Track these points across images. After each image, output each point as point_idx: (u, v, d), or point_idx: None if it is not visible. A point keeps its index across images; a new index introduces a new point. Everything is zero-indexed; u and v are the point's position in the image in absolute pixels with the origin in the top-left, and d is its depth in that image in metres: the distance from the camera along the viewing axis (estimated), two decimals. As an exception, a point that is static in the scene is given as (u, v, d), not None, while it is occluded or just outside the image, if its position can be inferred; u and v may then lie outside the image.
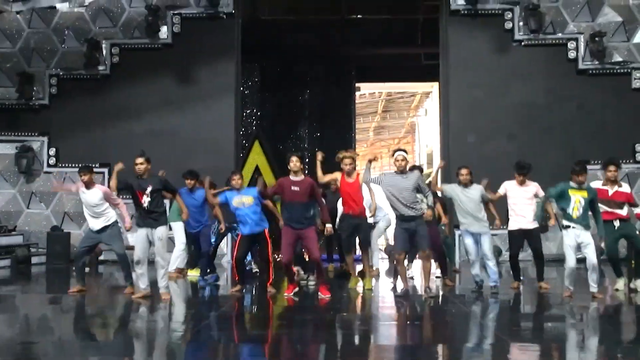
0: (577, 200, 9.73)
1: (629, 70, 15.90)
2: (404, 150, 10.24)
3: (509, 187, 10.80)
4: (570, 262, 9.76)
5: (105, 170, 15.90)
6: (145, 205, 9.89)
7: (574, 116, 15.86)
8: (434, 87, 23.16)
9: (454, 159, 15.87)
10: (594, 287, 9.84)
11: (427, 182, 10.99)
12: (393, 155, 10.25)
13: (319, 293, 10.12)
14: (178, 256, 12.48)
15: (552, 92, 15.99)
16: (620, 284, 10.72)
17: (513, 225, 10.80)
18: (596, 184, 10.61)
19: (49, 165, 16.24)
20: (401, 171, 9.92)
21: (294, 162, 10.02)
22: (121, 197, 11.15)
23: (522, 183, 10.72)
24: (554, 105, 15.93)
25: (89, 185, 10.63)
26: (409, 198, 9.79)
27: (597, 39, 15.69)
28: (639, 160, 15.75)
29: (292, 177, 10.08)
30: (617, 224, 10.41)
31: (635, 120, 15.74)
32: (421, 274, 10.75)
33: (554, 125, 15.85)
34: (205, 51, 16.23)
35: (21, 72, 16.21)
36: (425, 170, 14.04)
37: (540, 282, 10.86)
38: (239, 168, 15.73)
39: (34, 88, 16.28)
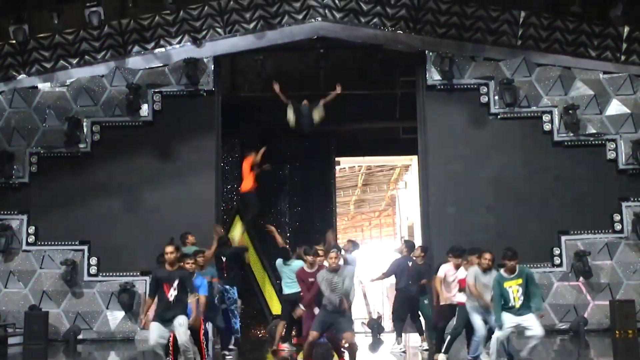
0: (514, 290, 9.46)
1: (603, 142, 16.20)
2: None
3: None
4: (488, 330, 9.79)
5: (85, 247, 15.79)
6: (172, 299, 9.18)
7: (551, 187, 16.05)
8: (413, 160, 23.41)
9: (434, 231, 15.98)
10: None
11: None
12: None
13: None
14: None
15: (529, 164, 16.21)
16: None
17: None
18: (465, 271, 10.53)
19: (27, 244, 16.02)
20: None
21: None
22: None
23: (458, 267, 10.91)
24: (531, 176, 16.13)
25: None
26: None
27: (570, 111, 16.00)
28: (617, 230, 15.86)
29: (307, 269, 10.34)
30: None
31: (611, 191, 15.97)
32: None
33: (531, 197, 16.01)
34: (186, 128, 16.37)
35: (1, 151, 16.19)
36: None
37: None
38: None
39: (14, 166, 16.19)
